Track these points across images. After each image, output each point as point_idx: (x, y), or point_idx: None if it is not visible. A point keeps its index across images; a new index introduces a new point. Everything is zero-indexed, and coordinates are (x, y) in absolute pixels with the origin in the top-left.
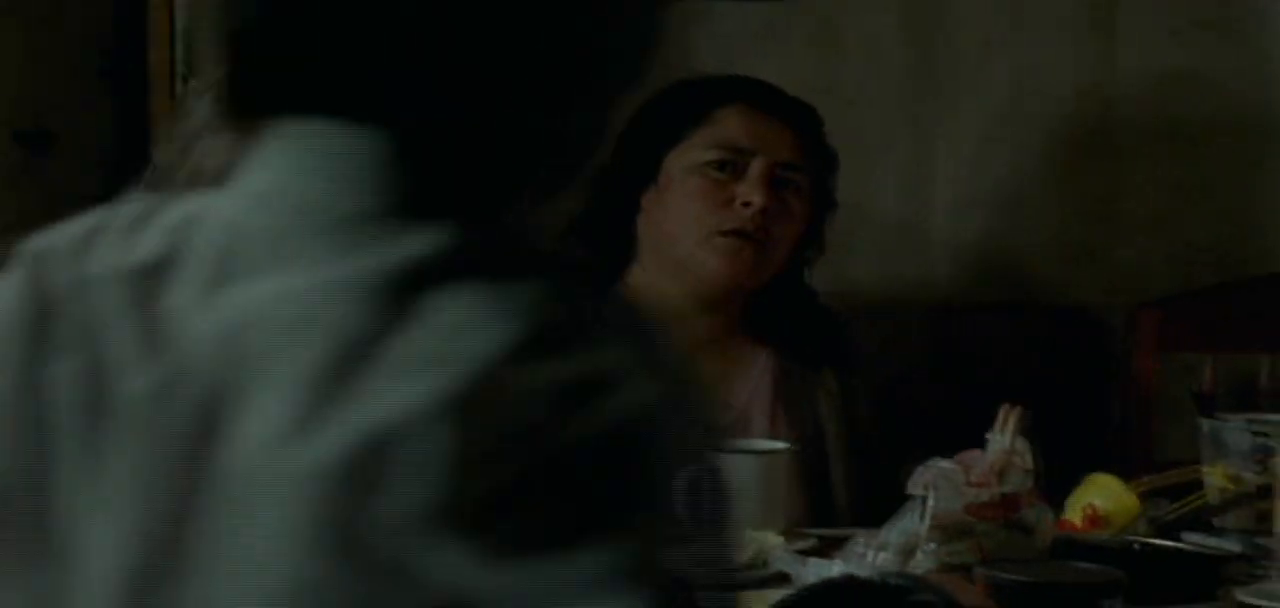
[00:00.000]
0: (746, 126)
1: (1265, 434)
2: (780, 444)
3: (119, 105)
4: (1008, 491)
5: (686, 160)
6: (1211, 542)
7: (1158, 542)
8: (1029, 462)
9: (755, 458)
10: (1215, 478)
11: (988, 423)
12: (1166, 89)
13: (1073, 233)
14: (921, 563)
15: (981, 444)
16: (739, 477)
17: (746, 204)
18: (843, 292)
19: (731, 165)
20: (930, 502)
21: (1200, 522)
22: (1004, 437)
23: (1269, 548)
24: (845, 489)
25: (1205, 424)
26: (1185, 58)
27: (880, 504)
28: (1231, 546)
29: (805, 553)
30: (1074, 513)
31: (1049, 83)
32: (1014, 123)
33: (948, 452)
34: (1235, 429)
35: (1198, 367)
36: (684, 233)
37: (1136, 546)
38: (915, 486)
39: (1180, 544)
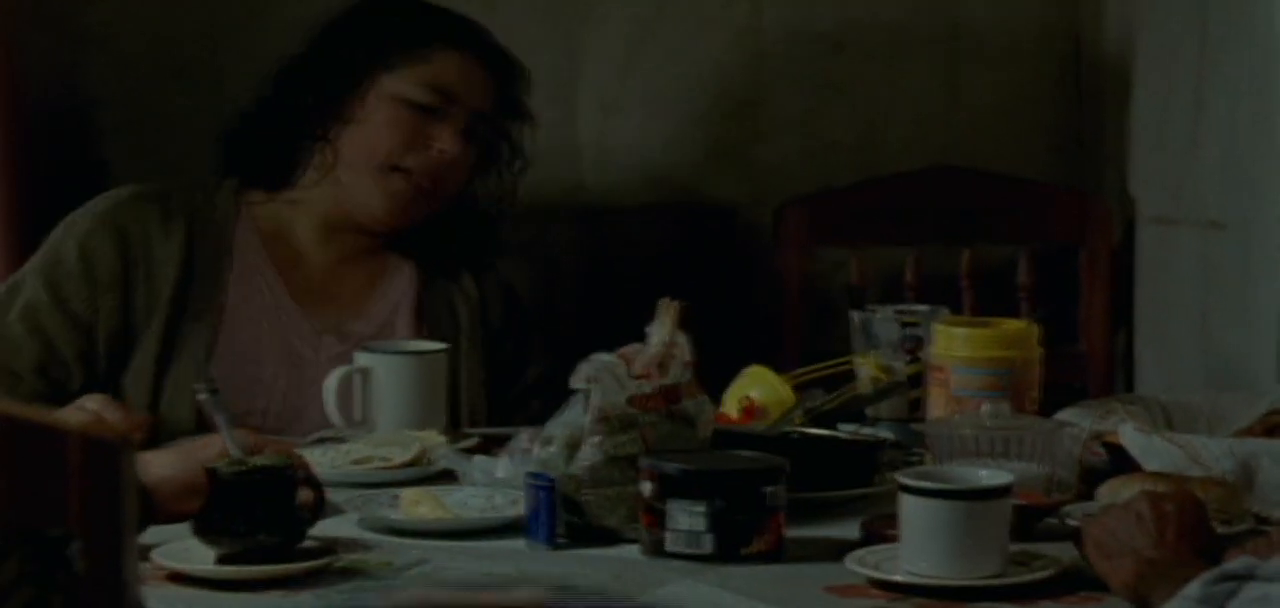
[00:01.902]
0: (461, 74)
1: (915, 324)
2: (438, 345)
3: None
4: (669, 382)
5: (393, 90)
6: (866, 431)
7: (814, 431)
8: (688, 354)
9: (413, 358)
10: (867, 368)
11: (634, 325)
12: None
13: (717, 134)
14: (587, 456)
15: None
16: (399, 377)
17: (441, 151)
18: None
19: (434, 109)
20: (594, 395)
21: (854, 412)
22: (664, 329)
23: (921, 434)
24: (469, 390)
25: (856, 316)
26: None
27: (507, 405)
28: (885, 433)
29: (469, 451)
30: (731, 406)
31: None
32: (660, 26)
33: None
34: (885, 321)
35: (844, 263)
36: (370, 159)
37: (794, 435)
38: (578, 379)
39: (836, 433)
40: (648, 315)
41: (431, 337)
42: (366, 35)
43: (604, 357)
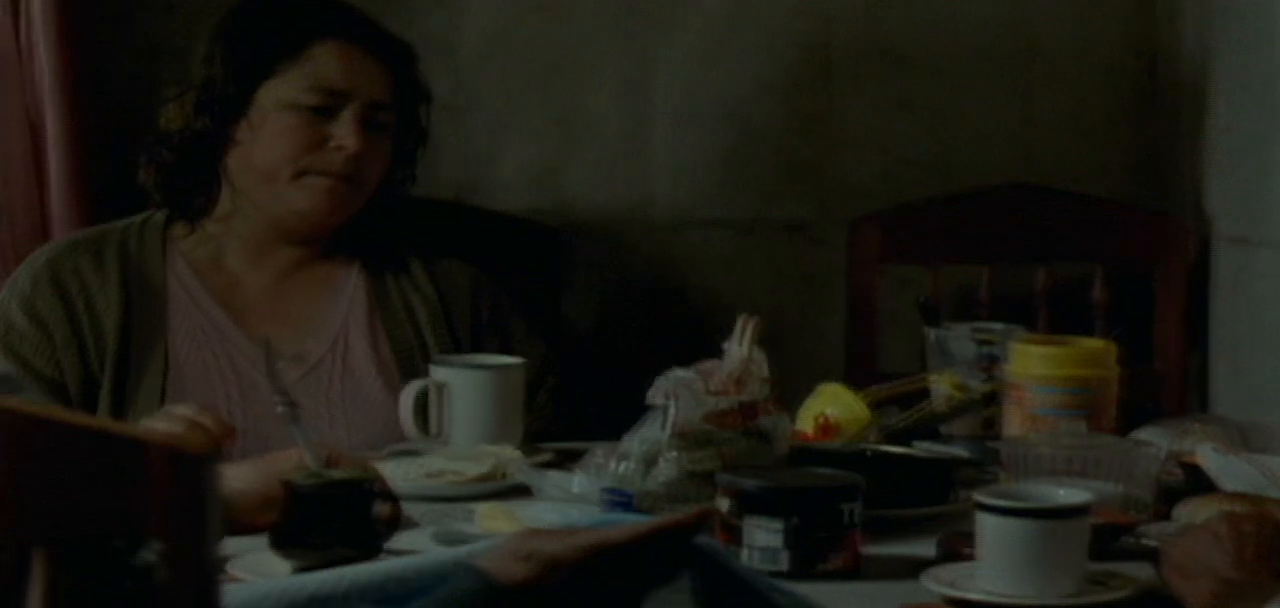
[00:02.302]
0: (343, 67)
1: (990, 342)
2: (514, 360)
3: None
4: (746, 399)
5: (280, 96)
6: (940, 448)
7: (890, 449)
8: (765, 371)
9: (490, 372)
10: (942, 386)
11: (704, 339)
12: (879, 8)
13: (788, 150)
14: (664, 471)
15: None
16: (475, 392)
17: (340, 147)
18: (559, 209)
19: (325, 108)
20: (671, 411)
21: (928, 430)
22: (742, 346)
23: (996, 452)
24: None
25: (931, 334)
26: None
27: None
28: (960, 451)
29: (544, 466)
30: (806, 423)
31: (766, 1)
32: (731, 40)
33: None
34: (960, 338)
35: (915, 280)
36: (275, 171)
37: (870, 453)
38: (656, 395)
39: (912, 451)
40: (716, 330)
41: (390, 343)
42: (238, 49)
43: (681, 373)
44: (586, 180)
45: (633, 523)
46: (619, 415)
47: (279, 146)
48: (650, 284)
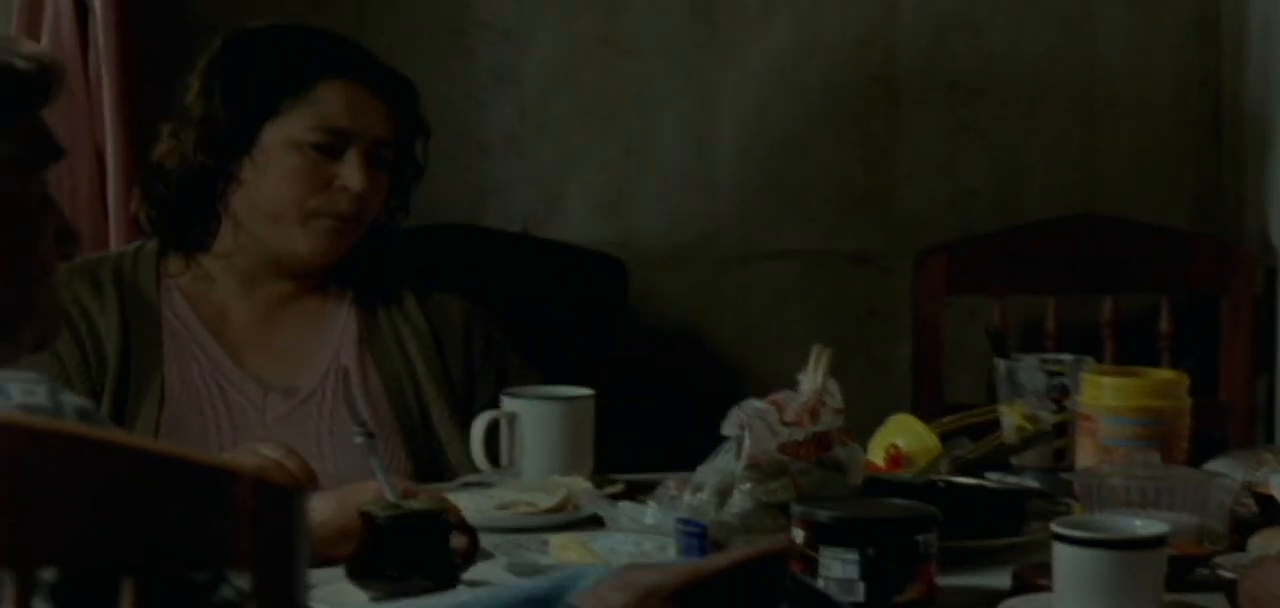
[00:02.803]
0: (348, 106)
1: (1060, 373)
2: (584, 391)
3: None
4: (820, 429)
5: (285, 135)
6: (1011, 480)
7: (962, 480)
8: (839, 401)
9: (561, 404)
10: (1013, 417)
11: (771, 370)
12: (945, 38)
13: (853, 180)
14: (738, 502)
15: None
16: (546, 423)
17: (345, 188)
18: (625, 240)
19: (330, 146)
20: (746, 441)
21: (998, 461)
22: (816, 376)
23: (1068, 483)
24: (441, 426)
25: (1001, 365)
26: (963, 6)
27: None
28: (1031, 482)
29: (615, 496)
30: (876, 454)
31: (831, 30)
32: (796, 70)
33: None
34: (1029, 369)
35: (980, 310)
36: (281, 211)
37: (941, 484)
38: (730, 426)
39: (984, 482)
40: (782, 361)
41: (380, 374)
42: (241, 87)
43: (755, 403)
44: (652, 211)
45: (727, 553)
46: (685, 446)
47: (286, 187)
48: (715, 315)
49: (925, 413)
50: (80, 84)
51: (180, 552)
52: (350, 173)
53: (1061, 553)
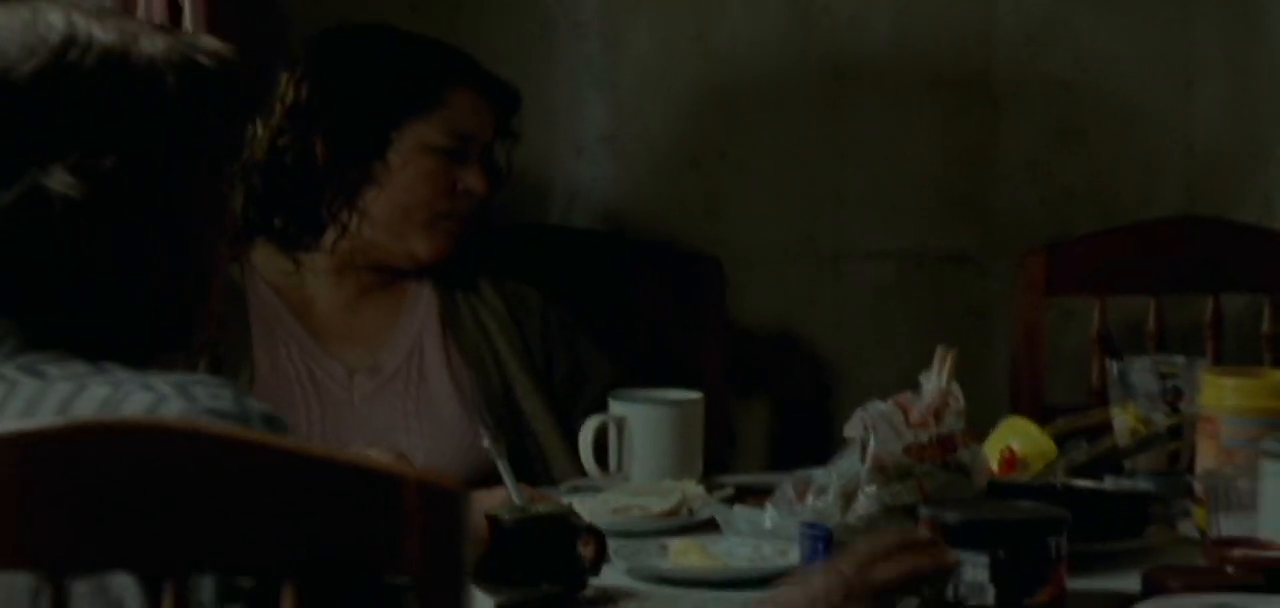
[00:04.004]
0: (475, 114)
1: (1174, 375)
2: (694, 394)
3: None
4: (944, 431)
5: (418, 140)
6: (1128, 483)
7: (1080, 483)
8: (962, 403)
9: (671, 407)
10: (1125, 420)
11: (867, 372)
12: (1041, 37)
13: (952, 180)
14: (863, 505)
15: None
16: (655, 426)
17: (469, 192)
18: (720, 241)
19: (457, 152)
20: (871, 444)
21: (1112, 464)
22: (940, 379)
23: (1185, 485)
24: (525, 399)
25: (1114, 367)
26: (1060, 7)
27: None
28: (1146, 485)
29: (727, 500)
30: (990, 456)
31: (928, 31)
32: (894, 71)
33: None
34: (1142, 371)
35: (1078, 312)
36: (408, 212)
37: (1060, 486)
38: (854, 428)
39: (1103, 485)
40: (879, 360)
41: (461, 352)
42: (382, 93)
43: (880, 405)
44: (746, 211)
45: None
46: (782, 447)
47: (419, 189)
48: (810, 316)
49: (1025, 415)
50: None
51: (346, 557)
52: (473, 177)
53: (1270, 471)
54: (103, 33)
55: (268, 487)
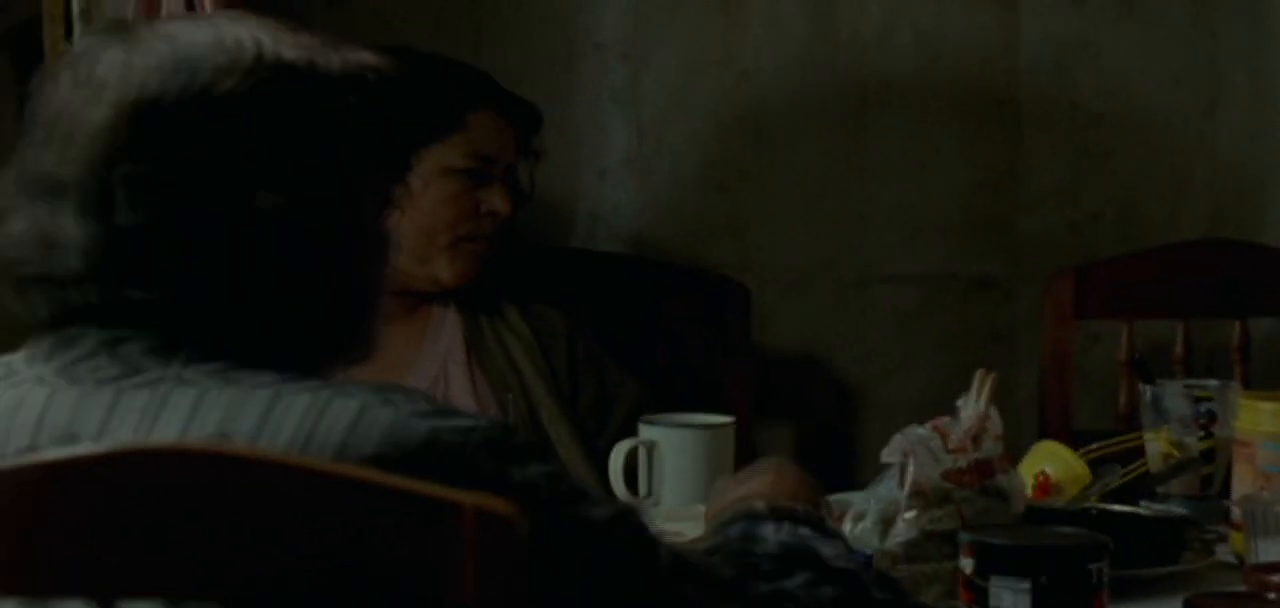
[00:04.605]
0: (496, 134)
1: (1208, 399)
2: (725, 418)
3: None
4: (983, 456)
5: (439, 163)
6: (1162, 508)
7: (1116, 508)
8: (1000, 428)
9: (701, 432)
10: (1158, 444)
11: (894, 395)
12: (1067, 59)
13: (977, 203)
14: (901, 532)
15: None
16: (686, 451)
17: (492, 213)
18: (744, 263)
19: (478, 173)
20: (910, 469)
21: (1144, 489)
22: (979, 403)
23: (1220, 510)
24: (551, 426)
25: (1146, 391)
26: (1086, 29)
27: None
28: (1179, 510)
29: None
30: (1026, 481)
31: (953, 53)
32: (919, 93)
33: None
34: (1175, 395)
35: (1105, 335)
36: (432, 236)
37: (1094, 512)
38: (892, 453)
39: (1139, 510)
40: (904, 384)
41: (486, 377)
42: (404, 118)
43: (918, 430)
44: (770, 234)
45: None
46: (806, 470)
47: (438, 215)
48: (835, 339)
49: (1053, 439)
50: None
51: (404, 584)
52: (497, 198)
53: None
54: (288, 49)
55: (323, 512)
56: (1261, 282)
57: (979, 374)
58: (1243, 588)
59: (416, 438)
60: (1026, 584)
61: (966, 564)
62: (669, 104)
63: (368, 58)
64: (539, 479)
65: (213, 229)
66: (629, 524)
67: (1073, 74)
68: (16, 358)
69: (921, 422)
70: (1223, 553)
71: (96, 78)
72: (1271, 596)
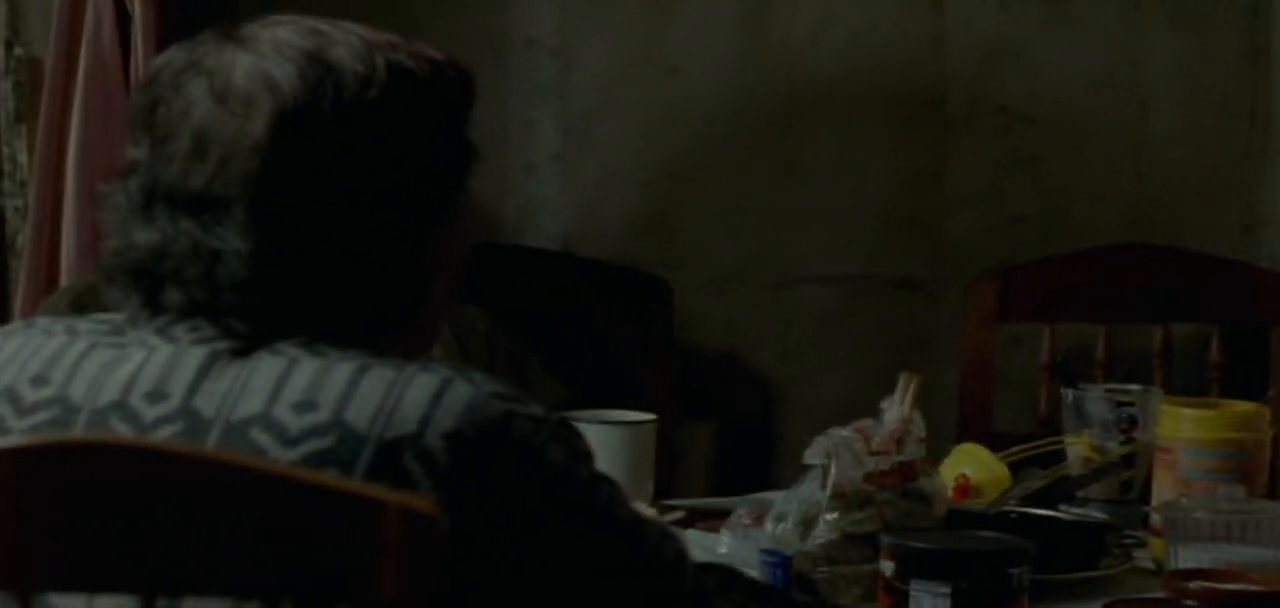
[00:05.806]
0: None
1: (1129, 403)
2: (647, 415)
3: None
4: (905, 459)
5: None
6: (1081, 512)
7: (1037, 512)
8: (923, 431)
9: (623, 428)
10: (1079, 448)
11: (814, 395)
12: (994, 62)
13: (900, 205)
14: (823, 533)
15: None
16: (607, 447)
17: None
18: (667, 261)
19: None
20: (831, 471)
21: (1064, 492)
22: (903, 405)
23: (1136, 515)
24: None
25: (1069, 394)
26: (1012, 32)
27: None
28: (1098, 514)
29: (678, 524)
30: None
31: (880, 53)
32: (844, 93)
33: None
34: (1096, 399)
35: (1026, 339)
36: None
37: (1014, 515)
38: (815, 455)
39: (1060, 514)
40: (825, 385)
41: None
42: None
43: (841, 432)
44: (694, 232)
45: None
46: (725, 468)
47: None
48: (757, 339)
49: (974, 442)
50: (121, 90)
51: (328, 581)
52: None
53: None
54: (394, 53)
55: (246, 508)
56: (1184, 287)
57: (903, 377)
58: (1161, 594)
59: (494, 418)
60: (946, 589)
61: (887, 567)
62: (598, 101)
63: (438, 55)
64: (601, 481)
65: (357, 230)
66: (674, 546)
67: (1000, 76)
68: (122, 318)
69: (842, 422)
70: (1142, 559)
71: (239, 89)
72: (1190, 602)
